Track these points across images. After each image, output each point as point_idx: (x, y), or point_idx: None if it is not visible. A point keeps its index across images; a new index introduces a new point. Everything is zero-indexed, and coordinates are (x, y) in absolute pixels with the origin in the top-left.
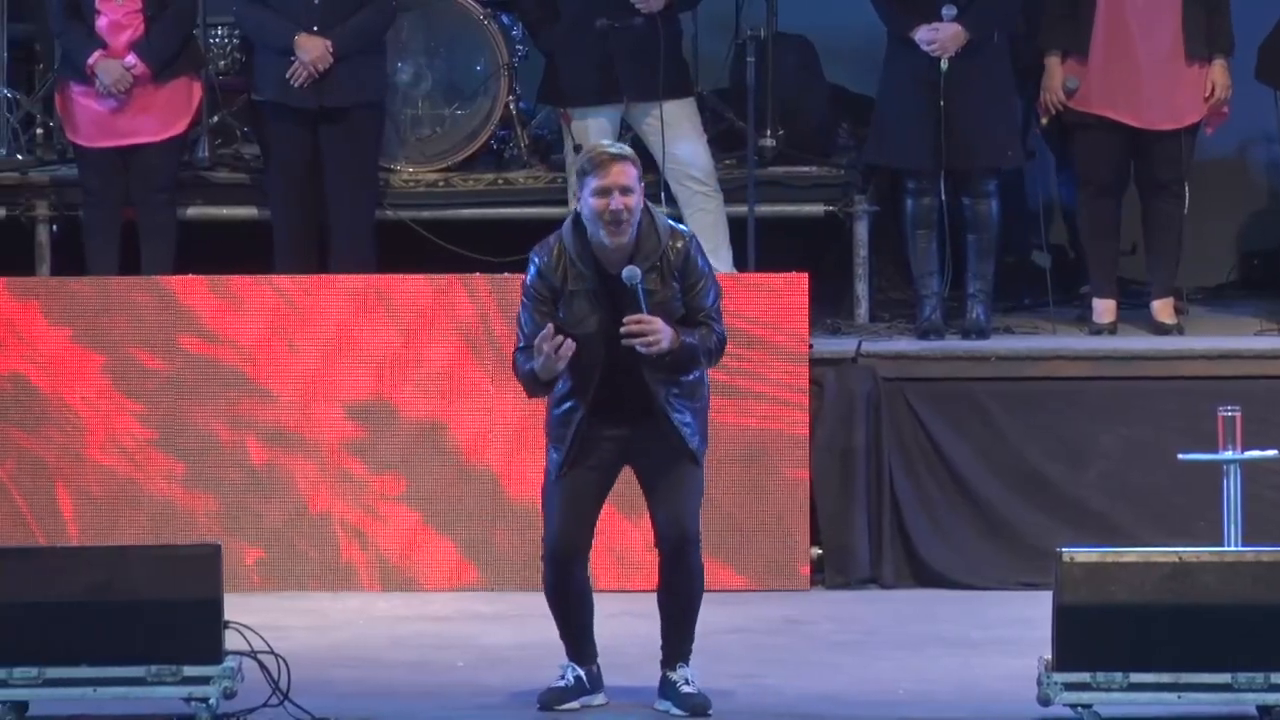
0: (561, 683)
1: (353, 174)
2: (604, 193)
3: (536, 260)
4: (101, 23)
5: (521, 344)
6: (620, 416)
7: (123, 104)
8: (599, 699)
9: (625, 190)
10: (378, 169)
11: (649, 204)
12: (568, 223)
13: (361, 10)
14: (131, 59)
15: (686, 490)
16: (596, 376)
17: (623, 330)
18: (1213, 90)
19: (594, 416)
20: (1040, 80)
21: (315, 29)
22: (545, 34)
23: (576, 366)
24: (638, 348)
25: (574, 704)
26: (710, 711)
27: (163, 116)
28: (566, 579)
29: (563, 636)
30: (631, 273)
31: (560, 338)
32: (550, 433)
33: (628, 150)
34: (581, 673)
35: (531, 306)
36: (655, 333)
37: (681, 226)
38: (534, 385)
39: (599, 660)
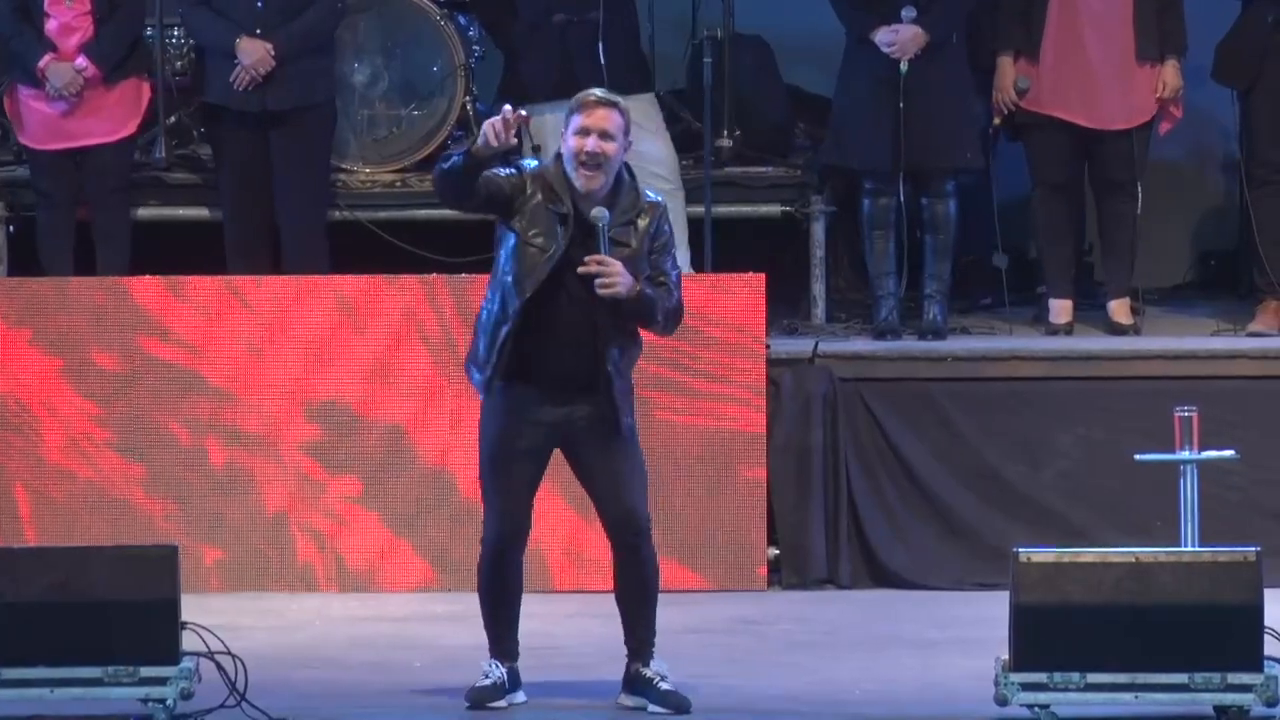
0: (487, 681)
1: (303, 176)
2: (584, 132)
3: (519, 166)
4: (51, 25)
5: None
6: (557, 387)
7: (73, 106)
8: (519, 696)
9: (605, 135)
10: (329, 170)
11: (630, 165)
12: (550, 160)
13: (306, 12)
14: (82, 61)
15: (632, 478)
16: (531, 292)
17: (580, 270)
18: (1163, 89)
19: (531, 387)
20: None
21: (258, 32)
22: (503, 32)
23: (516, 276)
24: (596, 289)
25: (501, 703)
26: (691, 709)
27: (113, 118)
28: (505, 565)
29: (490, 629)
30: (600, 213)
31: (510, 108)
32: (479, 365)
33: (620, 99)
34: (505, 671)
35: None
36: (614, 275)
37: (655, 195)
38: (448, 175)
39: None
